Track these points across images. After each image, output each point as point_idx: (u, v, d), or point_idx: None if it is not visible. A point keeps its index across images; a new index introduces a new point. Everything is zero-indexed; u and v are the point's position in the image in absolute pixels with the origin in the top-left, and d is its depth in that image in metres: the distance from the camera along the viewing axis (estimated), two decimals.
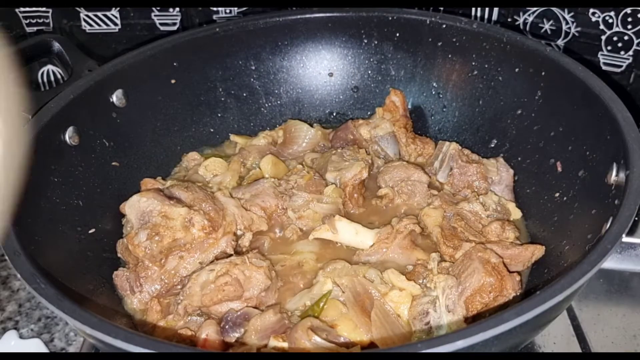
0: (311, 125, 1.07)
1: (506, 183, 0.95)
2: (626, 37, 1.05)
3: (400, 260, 0.86)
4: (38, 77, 1.24)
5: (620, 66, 1.09)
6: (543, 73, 0.90)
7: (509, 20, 1.13)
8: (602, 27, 1.06)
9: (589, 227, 0.74)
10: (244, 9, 1.17)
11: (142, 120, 1.00)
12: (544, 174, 0.90)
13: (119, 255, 0.87)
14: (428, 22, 1.01)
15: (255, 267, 0.80)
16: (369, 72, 1.11)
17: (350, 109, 1.13)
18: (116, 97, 0.95)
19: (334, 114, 1.14)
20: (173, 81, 1.02)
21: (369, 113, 1.11)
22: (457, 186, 0.96)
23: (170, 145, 1.04)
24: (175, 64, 1.02)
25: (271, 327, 0.75)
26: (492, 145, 1.01)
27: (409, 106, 1.09)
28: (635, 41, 1.06)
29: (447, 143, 0.99)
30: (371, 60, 1.10)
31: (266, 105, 1.11)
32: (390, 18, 1.04)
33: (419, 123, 1.09)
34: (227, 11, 1.17)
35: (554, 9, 1.08)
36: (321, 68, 1.11)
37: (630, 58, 1.07)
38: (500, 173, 0.95)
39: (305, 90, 1.12)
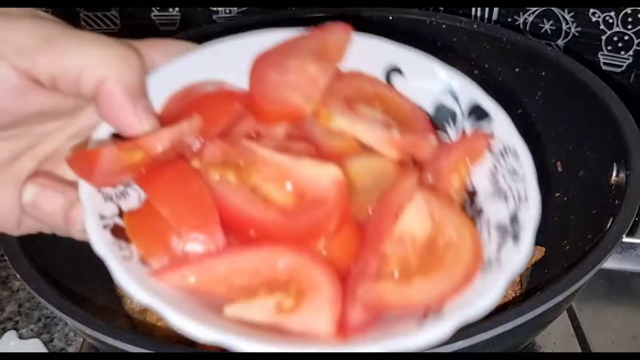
0: None
1: None
2: (626, 37, 1.05)
3: None
4: None
5: (621, 66, 1.09)
6: (543, 73, 0.90)
7: (509, 20, 1.13)
8: (602, 27, 1.06)
9: (589, 227, 0.73)
10: (244, 9, 1.17)
11: None
12: (545, 174, 0.89)
13: None
14: (428, 22, 1.01)
15: None
16: None
17: None
18: None
19: None
20: None
21: None
22: None
23: None
24: None
25: None
26: None
27: None
28: (636, 41, 1.05)
29: None
30: None
31: None
32: (390, 18, 1.04)
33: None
34: (227, 11, 1.17)
35: (554, 8, 1.08)
36: None
37: (631, 58, 1.07)
38: None
39: None
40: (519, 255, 0.50)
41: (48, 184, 0.53)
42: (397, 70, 0.65)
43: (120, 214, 0.55)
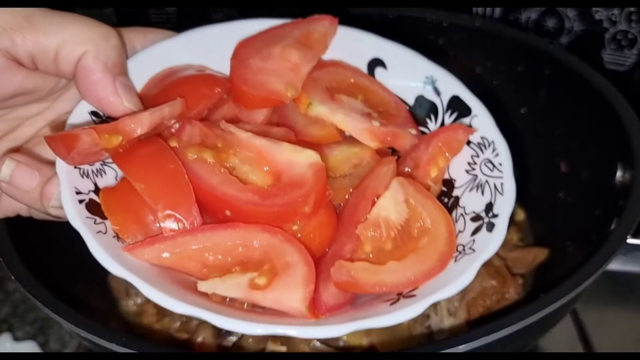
0: None
1: None
2: (630, 36, 1.04)
3: None
4: None
5: (624, 64, 1.08)
6: (546, 71, 0.89)
7: (512, 18, 1.12)
8: (605, 25, 1.05)
9: (593, 228, 0.72)
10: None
11: None
12: (548, 174, 0.89)
13: None
14: (429, 20, 1.00)
15: None
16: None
17: None
18: None
19: None
20: None
21: None
22: None
23: None
24: None
25: None
26: None
27: None
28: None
29: None
30: None
31: None
32: (390, 16, 1.03)
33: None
34: (226, 10, 1.16)
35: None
36: None
37: (634, 56, 1.06)
38: None
39: None
40: (492, 241, 0.51)
41: (25, 161, 0.53)
42: (381, 63, 0.66)
43: (97, 190, 0.54)
